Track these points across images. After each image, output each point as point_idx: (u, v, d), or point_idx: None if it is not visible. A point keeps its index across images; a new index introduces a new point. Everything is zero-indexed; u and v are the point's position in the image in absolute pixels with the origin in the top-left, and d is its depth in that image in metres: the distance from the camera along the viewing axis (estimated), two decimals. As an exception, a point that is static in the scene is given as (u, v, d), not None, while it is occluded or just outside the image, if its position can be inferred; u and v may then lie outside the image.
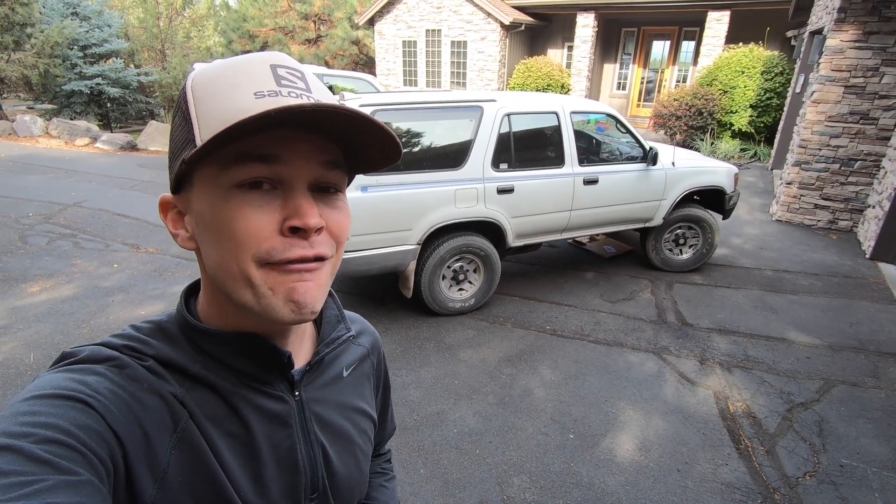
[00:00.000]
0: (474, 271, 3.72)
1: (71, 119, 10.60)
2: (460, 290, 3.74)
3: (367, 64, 15.54)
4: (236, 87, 0.45)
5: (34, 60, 10.17)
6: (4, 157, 8.21)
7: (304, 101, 0.46)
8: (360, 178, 3.11)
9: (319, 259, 0.48)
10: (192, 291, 0.58)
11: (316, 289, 0.49)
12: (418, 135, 3.35)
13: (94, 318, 3.52)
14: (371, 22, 13.79)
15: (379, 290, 4.14)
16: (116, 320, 3.51)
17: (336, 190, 0.51)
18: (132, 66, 13.20)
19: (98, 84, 10.97)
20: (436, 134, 3.43)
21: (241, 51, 14.90)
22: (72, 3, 11.38)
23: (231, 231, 0.45)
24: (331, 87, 7.32)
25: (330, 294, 0.65)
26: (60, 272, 4.22)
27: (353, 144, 0.50)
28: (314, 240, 0.47)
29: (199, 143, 0.45)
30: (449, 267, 3.60)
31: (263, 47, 15.55)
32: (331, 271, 0.51)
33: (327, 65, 14.84)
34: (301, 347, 0.60)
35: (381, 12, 13.40)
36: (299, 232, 0.46)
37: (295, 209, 0.46)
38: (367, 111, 3.10)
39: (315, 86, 0.49)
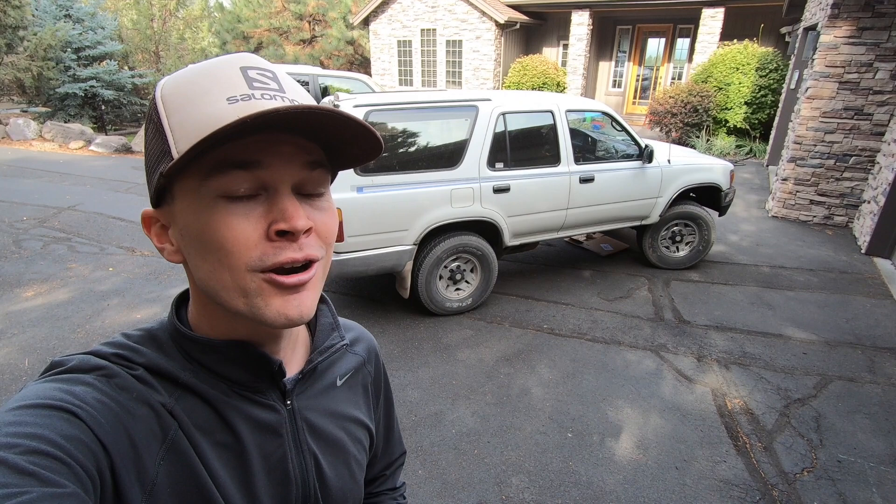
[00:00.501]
0: (471, 271, 3.72)
1: (65, 122, 10.54)
2: (457, 289, 3.74)
3: (362, 64, 15.52)
4: (208, 93, 0.44)
5: (27, 63, 10.11)
6: (-2, 161, 8.18)
7: (278, 102, 0.45)
8: (356, 179, 3.10)
9: (309, 262, 0.48)
10: (183, 299, 0.57)
11: (308, 298, 0.49)
12: (414, 135, 3.34)
13: (89, 323, 3.50)
14: (366, 22, 13.77)
15: (376, 290, 4.13)
16: (112, 324, 3.49)
17: (321, 190, 0.50)
18: (126, 68, 13.12)
19: (92, 86, 10.91)
20: (431, 134, 3.42)
21: (235, 52, 14.82)
22: (65, 6, 11.31)
23: (218, 242, 0.45)
24: (326, 88, 7.29)
25: (325, 301, 0.64)
26: (55, 276, 4.19)
27: (333, 142, 0.49)
28: (303, 242, 0.47)
29: (175, 154, 0.44)
30: (446, 267, 3.59)
31: (258, 48, 15.51)
32: (322, 273, 0.51)
33: (322, 65, 14.81)
34: (294, 355, 0.60)
35: (376, 12, 13.37)
36: (287, 235, 0.46)
37: (281, 213, 0.45)
38: (361, 111, 3.13)
39: (288, 85, 0.48)
